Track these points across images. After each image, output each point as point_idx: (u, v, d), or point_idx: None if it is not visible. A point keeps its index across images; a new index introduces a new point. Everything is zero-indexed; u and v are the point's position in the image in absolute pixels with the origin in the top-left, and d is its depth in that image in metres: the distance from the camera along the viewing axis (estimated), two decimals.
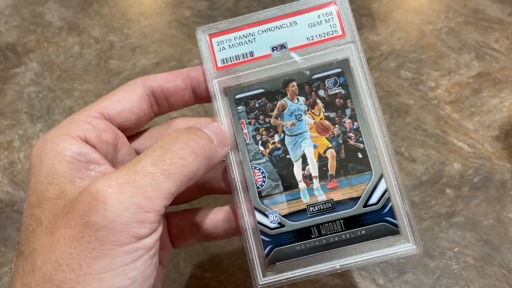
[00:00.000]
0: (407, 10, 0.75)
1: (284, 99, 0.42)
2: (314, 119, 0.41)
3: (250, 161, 0.41)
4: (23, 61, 0.73)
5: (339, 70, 0.41)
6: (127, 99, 0.40)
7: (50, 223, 0.33)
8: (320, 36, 0.42)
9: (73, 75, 0.71)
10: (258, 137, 0.41)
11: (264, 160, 0.41)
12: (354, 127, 0.41)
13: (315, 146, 0.41)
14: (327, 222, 0.40)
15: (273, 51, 0.42)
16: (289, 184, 0.41)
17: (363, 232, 0.40)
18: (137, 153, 0.42)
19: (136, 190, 0.32)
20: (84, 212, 0.31)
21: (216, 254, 0.56)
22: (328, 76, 0.42)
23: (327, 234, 0.40)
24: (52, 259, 0.31)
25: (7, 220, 0.59)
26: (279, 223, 0.40)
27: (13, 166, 0.63)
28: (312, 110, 0.41)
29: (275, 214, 0.40)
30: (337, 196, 0.40)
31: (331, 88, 0.41)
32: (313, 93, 0.41)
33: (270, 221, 0.40)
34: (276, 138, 0.41)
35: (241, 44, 0.42)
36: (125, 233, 0.31)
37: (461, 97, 0.65)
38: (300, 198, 0.41)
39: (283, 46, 0.42)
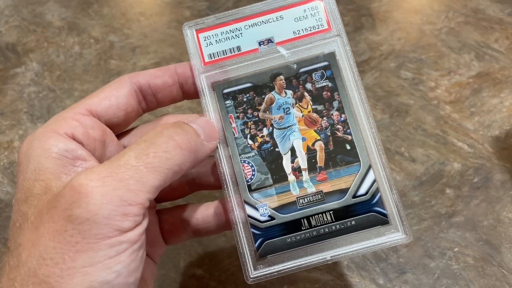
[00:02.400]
0: (407, 10, 0.75)
1: (272, 92, 0.42)
2: (302, 112, 0.41)
3: (239, 155, 0.41)
4: (23, 61, 0.74)
5: (325, 63, 0.42)
6: (115, 96, 0.40)
7: (35, 219, 0.33)
8: (306, 30, 0.42)
9: (73, 75, 0.72)
10: (246, 131, 0.41)
11: (253, 153, 0.41)
12: (342, 119, 0.41)
13: (303, 139, 0.41)
14: (317, 214, 0.40)
15: (260, 46, 0.42)
16: (279, 177, 0.41)
17: (353, 222, 0.40)
18: None
19: (119, 183, 0.32)
20: (67, 206, 0.31)
21: (216, 254, 0.56)
22: (315, 70, 0.42)
23: (317, 226, 0.40)
24: (36, 253, 0.31)
25: (7, 220, 0.59)
26: (269, 216, 0.40)
27: (13, 166, 0.64)
28: (300, 103, 0.42)
29: (265, 207, 0.40)
30: (326, 187, 0.40)
31: (318, 81, 0.42)
32: (300, 86, 0.42)
33: (260, 214, 0.40)
34: (265, 131, 0.41)
35: (228, 39, 0.42)
36: (108, 226, 0.31)
37: (461, 97, 0.65)
38: (289, 190, 0.41)
39: (270, 41, 0.42)
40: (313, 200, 0.40)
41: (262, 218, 0.40)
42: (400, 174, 0.60)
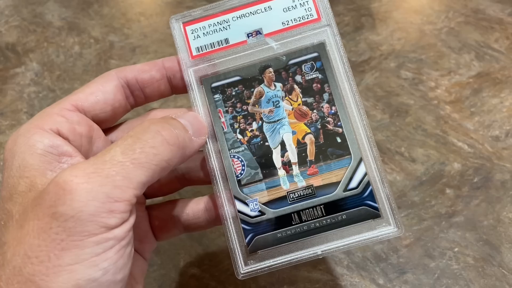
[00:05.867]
0: (407, 10, 0.75)
1: (261, 86, 0.41)
2: (291, 105, 0.41)
3: (229, 150, 0.41)
4: (23, 61, 0.74)
5: (315, 54, 0.41)
6: (101, 91, 0.40)
7: (20, 216, 0.32)
8: (296, 21, 0.41)
9: (73, 75, 0.72)
10: (236, 125, 0.41)
11: (243, 148, 0.41)
12: (332, 111, 0.40)
13: (293, 132, 0.41)
14: (308, 208, 0.40)
15: (248, 38, 0.42)
16: (269, 171, 0.40)
17: (344, 216, 0.39)
18: None
19: (105, 179, 0.31)
20: (52, 203, 0.30)
21: (216, 254, 0.56)
22: (305, 61, 0.41)
23: (308, 220, 0.39)
24: (21, 252, 0.31)
25: None
26: (259, 211, 0.40)
27: None
28: (290, 96, 0.41)
29: (255, 202, 0.40)
30: (317, 181, 0.40)
31: (308, 73, 0.41)
32: (290, 78, 0.41)
33: (250, 210, 0.40)
34: (254, 125, 0.41)
35: (215, 32, 0.42)
36: (94, 223, 0.30)
37: (461, 97, 0.65)
38: (280, 185, 0.40)
39: (258, 32, 0.41)
40: (304, 195, 0.40)
41: (252, 213, 0.40)
42: (400, 174, 0.59)
